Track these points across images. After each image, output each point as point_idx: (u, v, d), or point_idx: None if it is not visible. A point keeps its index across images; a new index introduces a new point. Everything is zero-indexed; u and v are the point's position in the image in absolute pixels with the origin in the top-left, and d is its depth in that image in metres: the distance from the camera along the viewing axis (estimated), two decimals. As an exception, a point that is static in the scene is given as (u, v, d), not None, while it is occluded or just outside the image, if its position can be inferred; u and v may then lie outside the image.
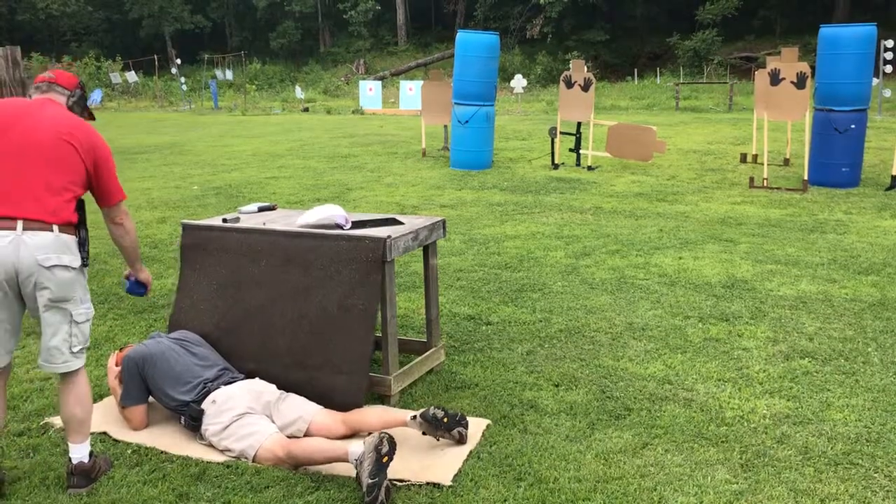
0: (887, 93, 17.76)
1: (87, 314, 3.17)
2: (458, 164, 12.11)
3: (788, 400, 3.91)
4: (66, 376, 3.17)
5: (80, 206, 3.16)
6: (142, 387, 3.75)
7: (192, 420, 3.59)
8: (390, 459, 3.07)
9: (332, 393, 3.78)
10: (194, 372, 3.74)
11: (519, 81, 23.19)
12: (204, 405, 3.59)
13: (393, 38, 44.48)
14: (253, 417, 3.53)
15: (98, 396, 4.05)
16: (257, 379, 3.80)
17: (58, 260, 3.00)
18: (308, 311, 3.88)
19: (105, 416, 3.82)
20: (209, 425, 3.53)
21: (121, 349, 4.05)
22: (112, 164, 3.27)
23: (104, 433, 3.68)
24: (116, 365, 3.93)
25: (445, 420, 3.43)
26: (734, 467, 3.28)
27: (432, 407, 3.46)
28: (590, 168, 11.83)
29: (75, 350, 3.14)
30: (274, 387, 3.75)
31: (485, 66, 11.86)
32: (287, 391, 3.79)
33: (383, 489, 2.97)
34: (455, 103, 12.08)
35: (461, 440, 3.47)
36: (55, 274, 3.00)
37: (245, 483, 3.21)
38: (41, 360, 3.13)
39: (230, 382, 3.73)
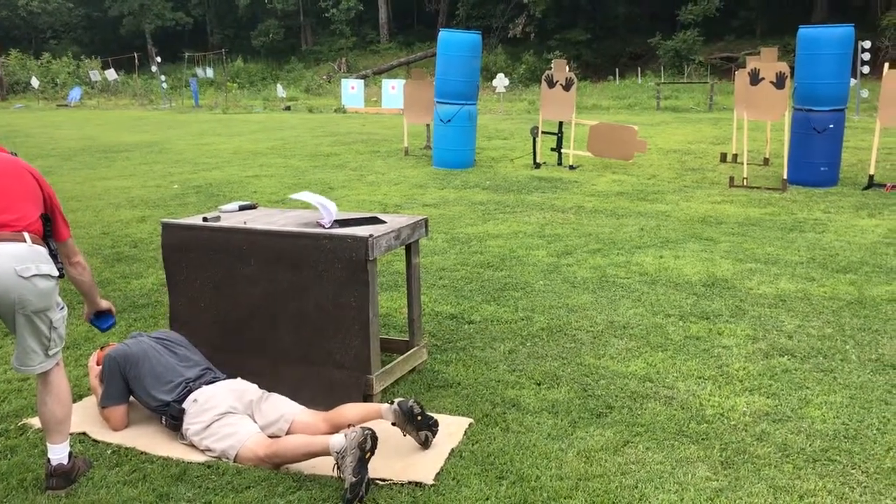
0: (865, 93, 17.93)
1: (63, 317, 3.14)
2: (441, 163, 12.11)
3: (768, 397, 3.94)
4: (44, 376, 3.14)
5: (46, 222, 3.16)
6: (122, 386, 3.72)
7: (172, 419, 3.57)
8: (372, 455, 3.07)
9: (333, 388, 3.84)
10: (176, 371, 3.72)
11: (501, 80, 23.23)
12: (185, 404, 3.57)
13: (375, 37, 44.38)
14: (234, 417, 3.51)
15: (77, 397, 4.01)
16: (239, 378, 3.79)
17: (37, 269, 2.96)
18: (305, 308, 3.92)
19: (84, 417, 3.79)
20: (190, 425, 3.51)
21: (101, 348, 4.02)
22: (59, 202, 3.30)
23: (83, 433, 3.64)
24: (97, 364, 3.90)
25: (419, 418, 3.39)
26: (714, 464, 3.30)
27: (412, 399, 3.42)
28: (571, 167, 11.87)
29: (52, 353, 3.11)
30: (255, 386, 3.74)
31: (467, 64, 11.86)
32: (289, 388, 3.82)
33: (364, 486, 2.99)
34: (437, 102, 12.07)
35: (425, 444, 3.43)
36: (35, 284, 2.95)
37: (226, 483, 3.20)
38: (16, 364, 3.09)
39: (212, 382, 3.71)
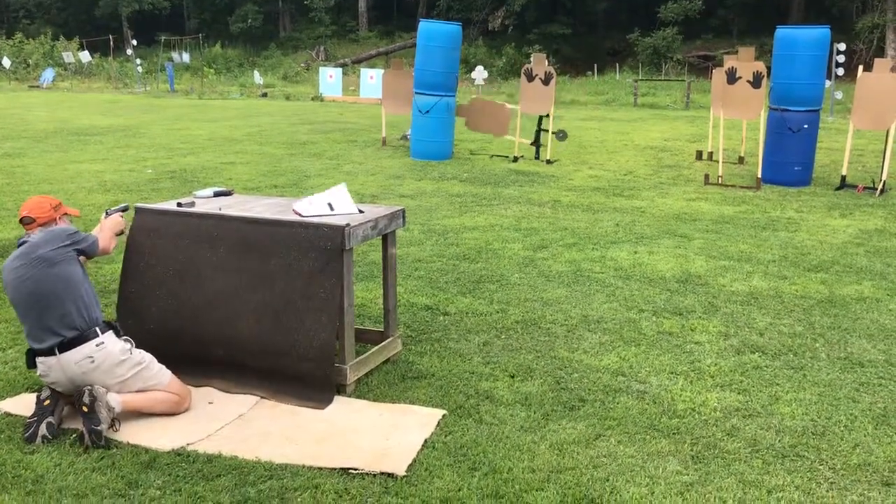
0: (839, 95, 18.14)
1: None
2: (419, 155, 12.08)
3: (739, 393, 3.98)
4: None
5: None
6: None
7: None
8: (51, 403, 3.46)
9: (300, 380, 3.80)
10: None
11: (480, 73, 23.19)
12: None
13: (355, 26, 44.11)
14: None
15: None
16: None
17: None
18: (271, 299, 3.86)
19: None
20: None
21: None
22: None
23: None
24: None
25: (84, 409, 3.39)
26: (685, 459, 3.33)
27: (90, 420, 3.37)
28: (548, 162, 11.90)
29: None
30: None
31: (447, 56, 11.83)
32: (256, 378, 3.87)
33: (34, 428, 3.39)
34: (416, 93, 12.03)
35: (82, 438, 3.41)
36: None
37: (196, 471, 3.17)
38: None
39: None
